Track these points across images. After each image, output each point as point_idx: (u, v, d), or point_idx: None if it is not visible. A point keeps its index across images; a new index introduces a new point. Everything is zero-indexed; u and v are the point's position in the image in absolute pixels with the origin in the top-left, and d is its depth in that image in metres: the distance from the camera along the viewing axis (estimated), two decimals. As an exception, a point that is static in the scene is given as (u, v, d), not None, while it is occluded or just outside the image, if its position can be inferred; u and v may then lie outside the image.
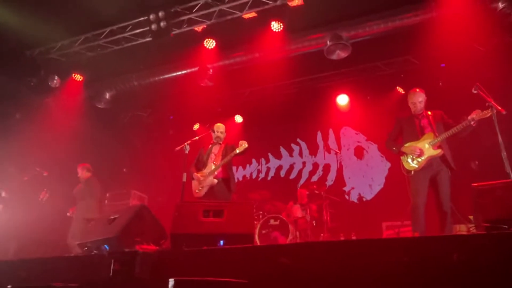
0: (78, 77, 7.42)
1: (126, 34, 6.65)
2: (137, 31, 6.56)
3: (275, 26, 6.20)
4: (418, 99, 4.58)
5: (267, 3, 5.85)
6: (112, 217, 3.91)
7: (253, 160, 9.14)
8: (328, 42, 6.28)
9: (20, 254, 5.79)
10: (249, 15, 6.06)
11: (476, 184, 3.01)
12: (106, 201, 7.80)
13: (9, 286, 2.94)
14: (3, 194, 5.90)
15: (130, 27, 6.58)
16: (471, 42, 6.33)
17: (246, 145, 5.05)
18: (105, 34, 6.73)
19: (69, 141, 7.40)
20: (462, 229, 4.87)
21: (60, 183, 6.64)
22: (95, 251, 3.66)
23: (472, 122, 4.21)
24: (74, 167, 7.38)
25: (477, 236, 2.48)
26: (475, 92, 4.07)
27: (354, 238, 6.24)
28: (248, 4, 5.95)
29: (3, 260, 4.27)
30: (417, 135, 4.48)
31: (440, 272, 2.30)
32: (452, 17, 5.72)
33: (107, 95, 7.90)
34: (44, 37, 6.79)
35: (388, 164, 7.80)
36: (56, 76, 7.20)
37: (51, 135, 7.29)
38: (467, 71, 6.15)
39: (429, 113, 4.61)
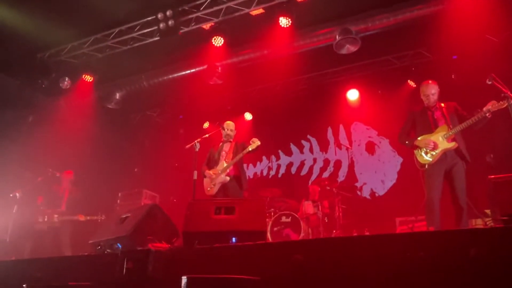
0: (88, 78, 7.47)
1: (134, 34, 6.67)
2: (145, 30, 6.58)
3: (283, 21, 6.14)
4: (431, 91, 4.49)
5: (275, -1, 5.81)
6: (124, 216, 3.93)
7: (264, 158, 9.11)
8: (337, 36, 6.21)
9: (35, 254, 5.86)
10: (257, 11, 6.03)
11: (492, 176, 2.94)
12: (118, 201, 7.86)
13: (24, 285, 2.96)
14: (18, 195, 5.97)
15: (138, 27, 6.60)
16: (484, 33, 6.20)
17: (259, 143, 5.03)
18: (113, 34, 6.77)
19: (81, 142, 7.48)
20: (478, 223, 4.77)
21: (74, 184, 6.69)
22: (108, 250, 3.68)
23: (487, 114, 4.11)
24: (87, 167, 7.46)
25: (495, 229, 2.41)
26: (490, 83, 3.96)
27: (367, 234, 6.17)
28: (256, 1, 5.92)
29: (18, 260, 4.33)
30: (431, 128, 4.39)
31: (457, 267, 2.24)
32: (464, 7, 5.60)
33: (117, 96, 7.95)
34: (54, 40, 6.86)
35: (400, 159, 7.70)
36: (67, 78, 7.26)
37: (63, 136, 7.37)
38: (480, 63, 6.03)
39: (443, 105, 4.52)
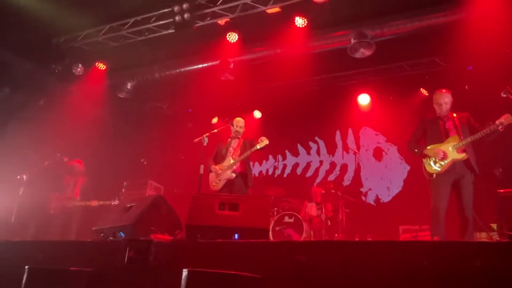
0: (101, 66, 7.51)
1: (149, 25, 6.68)
2: (161, 22, 6.58)
3: (299, 21, 6.12)
4: (444, 100, 4.45)
5: (292, -2, 5.78)
6: (129, 205, 3.95)
7: (270, 156, 9.10)
8: (352, 40, 6.17)
9: (38, 236, 5.91)
10: (273, 10, 6.01)
11: (501, 190, 2.90)
12: (123, 190, 7.89)
13: (27, 267, 2.98)
14: (25, 178, 6.03)
15: (154, 18, 6.61)
16: (501, 46, 6.12)
17: (267, 142, 5.03)
18: (129, 24, 6.78)
19: (89, 129, 7.52)
20: (482, 236, 4.73)
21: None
22: (110, 238, 3.70)
23: (499, 127, 4.07)
24: (94, 154, 7.50)
25: (502, 244, 2.38)
26: (505, 96, 3.93)
27: (369, 240, 6.14)
28: (273, -1, 5.90)
29: (21, 241, 4.37)
30: (442, 137, 4.35)
31: (461, 278, 2.22)
32: (481, 18, 5.52)
33: (129, 85, 7.97)
34: (70, 26, 6.89)
35: (408, 167, 7.65)
36: (80, 64, 7.31)
37: (72, 122, 7.42)
38: (495, 75, 5.95)
39: (455, 115, 4.48)
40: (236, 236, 3.34)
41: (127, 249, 3.04)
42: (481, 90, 6.24)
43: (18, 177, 6.02)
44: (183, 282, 2.38)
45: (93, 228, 3.92)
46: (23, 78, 7.48)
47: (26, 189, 6.04)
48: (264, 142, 5.02)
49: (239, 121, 5.49)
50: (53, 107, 7.61)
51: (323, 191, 6.90)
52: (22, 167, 6.26)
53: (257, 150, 5.09)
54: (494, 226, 4.74)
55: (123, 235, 3.57)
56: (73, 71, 7.31)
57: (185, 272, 2.43)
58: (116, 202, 6.13)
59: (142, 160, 9.06)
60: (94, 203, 6.16)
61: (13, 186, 6.05)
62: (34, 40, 6.93)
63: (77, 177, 6.61)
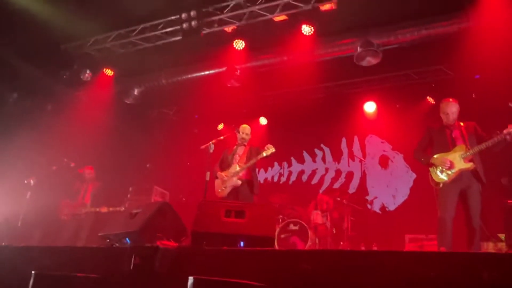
0: (109, 72, 7.58)
1: (157, 32, 6.74)
2: (169, 29, 6.63)
3: (306, 29, 6.15)
4: (452, 109, 4.44)
5: (299, 7, 5.81)
6: (135, 212, 3.96)
7: (275, 163, 9.10)
8: (358, 48, 6.18)
9: (45, 242, 5.95)
10: (280, 18, 6.04)
11: (510, 201, 2.88)
12: (128, 195, 7.92)
13: (33, 272, 2.99)
14: (32, 182, 6.07)
15: (161, 25, 6.67)
16: (508, 54, 6.09)
17: (273, 150, 5.04)
18: (137, 31, 6.85)
19: (96, 134, 7.57)
20: (490, 246, 4.68)
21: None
22: (116, 244, 3.70)
23: (507, 136, 4.04)
24: (100, 159, 7.55)
25: (510, 255, 2.35)
26: (512, 105, 3.90)
27: (375, 248, 6.10)
28: (279, 7, 5.93)
29: (28, 246, 4.39)
30: (448, 147, 4.33)
31: (469, 291, 2.20)
32: (488, 27, 5.52)
33: (136, 91, 8.03)
34: (79, 32, 6.95)
35: (414, 175, 7.61)
36: (88, 70, 7.37)
37: (80, 127, 7.48)
38: (503, 84, 5.93)
39: (462, 124, 4.46)
40: (241, 243, 3.34)
41: (133, 255, 3.05)
42: (488, 99, 6.21)
43: (26, 181, 6.07)
44: (188, 289, 2.37)
45: (99, 234, 3.93)
46: (31, 83, 7.55)
47: (33, 193, 6.08)
48: (270, 150, 5.02)
49: (245, 128, 5.50)
50: (61, 112, 7.68)
51: (328, 199, 6.88)
52: (29, 172, 6.30)
53: (263, 157, 5.10)
54: (502, 236, 4.70)
55: (129, 241, 3.58)
56: (81, 77, 7.38)
57: (190, 279, 2.43)
58: (125, 208, 6.18)
59: (147, 165, 9.09)
60: (104, 209, 6.23)
61: (20, 190, 6.09)
62: (42, 46, 7.00)
63: (88, 183, 6.73)
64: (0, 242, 4.57)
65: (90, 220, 6.36)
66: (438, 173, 4.28)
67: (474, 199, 4.10)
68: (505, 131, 4.05)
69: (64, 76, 7.59)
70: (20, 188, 6.09)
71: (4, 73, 7.20)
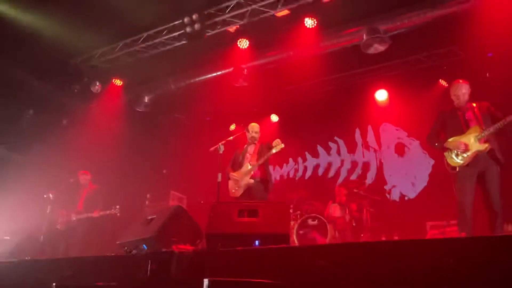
0: (118, 82, 7.69)
1: (162, 39, 6.79)
2: (173, 35, 6.68)
3: (309, 22, 6.09)
4: (462, 90, 4.31)
5: (300, 0, 5.76)
6: (150, 218, 3.99)
7: (290, 159, 9.05)
8: (364, 36, 6.08)
9: (69, 254, 6.06)
10: (282, 13, 6.00)
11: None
12: (146, 202, 8.01)
13: (54, 284, 3.05)
14: (51, 196, 6.19)
15: (165, 31, 6.71)
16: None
17: (282, 145, 5.01)
18: (142, 39, 6.91)
19: (112, 144, 7.69)
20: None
21: (105, 184, 6.89)
22: (134, 251, 3.74)
23: (524, 114, 3.91)
24: (117, 168, 7.65)
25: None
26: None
27: (396, 238, 6.00)
28: (281, 2, 5.89)
29: (49, 258, 4.49)
30: (462, 129, 4.21)
31: (490, 276, 2.13)
32: (497, 2, 5.34)
33: (146, 99, 8.12)
34: (85, 46, 7.09)
35: (432, 161, 7.43)
36: (97, 82, 7.49)
37: (94, 139, 7.60)
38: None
39: (474, 105, 4.32)
40: (256, 242, 3.33)
41: (149, 261, 3.08)
42: (503, 77, 6.02)
43: (45, 195, 6.19)
44: (204, 292, 2.37)
45: (117, 242, 3.98)
46: (45, 100, 7.74)
47: (53, 207, 6.20)
48: (279, 145, 5.00)
49: (254, 127, 5.48)
50: (75, 126, 7.84)
51: (346, 191, 6.81)
52: (48, 186, 6.44)
53: (274, 154, 5.08)
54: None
55: (146, 247, 3.61)
56: (92, 89, 7.50)
57: (206, 282, 2.43)
58: (117, 211, 6.10)
59: (164, 171, 9.17)
60: (96, 213, 6.21)
61: (41, 205, 6.22)
62: (52, 62, 7.16)
63: (82, 189, 6.66)
64: (24, 257, 4.66)
65: (83, 226, 6.30)
66: (454, 157, 4.17)
67: (493, 181, 3.98)
68: (521, 109, 3.91)
69: (76, 90, 7.73)
70: (40, 202, 6.22)
71: (19, 91, 7.40)
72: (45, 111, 7.92)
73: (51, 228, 6.16)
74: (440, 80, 7.22)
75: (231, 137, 5.39)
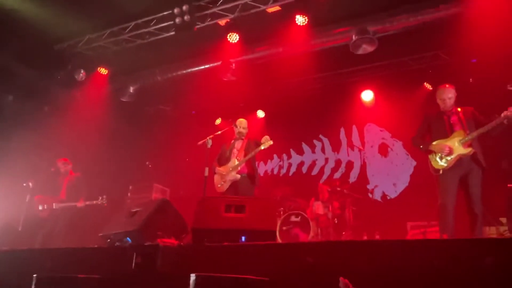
0: (103, 71, 7.52)
1: (150, 29, 6.67)
2: (161, 25, 6.57)
3: (300, 19, 6.08)
4: (448, 95, 4.40)
5: (292, -4, 5.75)
6: (134, 210, 3.94)
7: (275, 156, 9.07)
8: (353, 36, 6.13)
9: (46, 244, 5.93)
10: (273, 8, 5.98)
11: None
12: (129, 194, 7.91)
13: (35, 275, 2.98)
14: (31, 185, 6.03)
15: (154, 21, 6.60)
16: (506, 36, 6.04)
17: (271, 142, 5.02)
18: (130, 28, 6.78)
19: (94, 134, 7.54)
20: (492, 231, 4.67)
21: (86, 174, 6.75)
22: (117, 243, 3.69)
23: (505, 120, 4.01)
24: (99, 159, 7.51)
25: (512, 240, 2.35)
26: (511, 88, 3.86)
27: (377, 237, 6.11)
28: (273, -3, 5.87)
29: (29, 249, 4.38)
30: (446, 133, 4.30)
31: (473, 278, 2.19)
32: (485, 10, 5.46)
33: (131, 89, 7.98)
34: (71, 31, 6.91)
35: (414, 162, 7.59)
36: (82, 70, 7.31)
37: (77, 127, 7.44)
38: (500, 68, 5.89)
39: (459, 109, 4.42)
40: (243, 238, 3.33)
41: (134, 254, 3.04)
42: (486, 83, 6.18)
43: (24, 184, 6.03)
44: (191, 287, 2.36)
45: (100, 234, 3.92)
46: (26, 85, 7.51)
47: (32, 196, 6.05)
48: (268, 142, 5.01)
49: (241, 122, 5.47)
50: (57, 113, 7.65)
51: (329, 189, 6.87)
52: (28, 175, 6.27)
53: (262, 150, 5.08)
54: (503, 220, 4.70)
55: (129, 240, 3.56)
56: (76, 77, 7.32)
57: (193, 277, 2.42)
58: (104, 201, 5.99)
59: (147, 163, 9.07)
60: (81, 203, 6.07)
61: (20, 193, 6.05)
62: (36, 47, 6.96)
63: (63, 177, 6.49)
64: (1, 246, 4.54)
65: (66, 215, 6.14)
66: (438, 159, 4.26)
67: (475, 184, 4.08)
68: (502, 115, 4.02)
69: (59, 77, 7.55)
70: (19, 191, 6.05)
71: (-1, 75, 7.17)
72: (26, 97, 7.69)
73: (30, 217, 5.98)
74: (425, 83, 7.35)
75: (219, 132, 5.36)
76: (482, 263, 2.20)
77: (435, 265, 2.32)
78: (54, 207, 6.12)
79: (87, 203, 6.05)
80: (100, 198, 5.96)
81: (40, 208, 6.10)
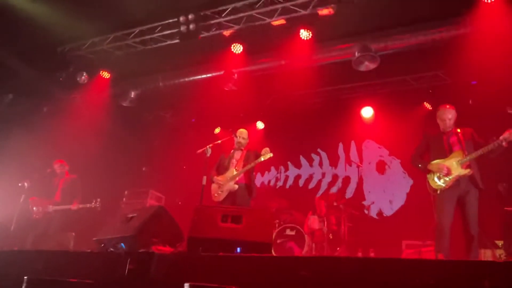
0: (106, 75, 7.53)
1: (154, 35, 6.71)
2: (166, 32, 6.61)
3: (304, 34, 6.15)
4: (448, 116, 4.43)
5: (297, 11, 5.82)
6: (130, 216, 3.91)
7: (272, 168, 9.06)
8: (356, 53, 6.19)
9: (37, 245, 5.85)
10: (278, 22, 6.03)
11: (510, 208, 2.86)
12: (124, 199, 7.85)
13: (26, 277, 2.93)
14: (26, 185, 5.98)
15: (159, 28, 6.64)
16: (506, 60, 6.11)
17: (271, 154, 5.02)
18: (134, 34, 6.82)
19: (92, 137, 7.53)
20: (487, 254, 4.66)
21: (82, 177, 6.70)
22: (111, 249, 3.65)
23: (503, 143, 4.03)
24: (96, 162, 7.48)
25: (510, 264, 2.33)
26: (511, 112, 3.89)
27: (372, 255, 6.08)
28: (278, 11, 5.93)
29: (21, 250, 4.32)
30: (445, 153, 4.31)
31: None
32: (485, 33, 5.53)
33: (132, 94, 7.98)
34: (75, 34, 6.93)
35: (411, 181, 7.59)
36: (84, 73, 7.32)
37: (75, 130, 7.42)
38: (500, 91, 5.95)
39: (459, 130, 4.45)
40: (238, 249, 3.30)
41: (128, 261, 3.00)
42: (485, 105, 6.23)
43: (20, 184, 5.98)
44: (184, 296, 2.33)
45: (94, 239, 3.87)
46: (27, 85, 7.51)
47: (27, 196, 5.99)
48: (268, 154, 5.00)
49: (242, 132, 5.47)
50: (56, 115, 7.64)
51: (326, 204, 6.85)
52: (23, 174, 6.22)
53: (261, 161, 5.08)
54: (499, 243, 4.69)
55: (124, 246, 3.53)
56: (77, 79, 7.33)
57: (186, 286, 2.39)
58: (98, 204, 5.95)
59: (143, 169, 9.03)
60: (74, 206, 6.00)
61: (14, 193, 6.00)
62: (39, 48, 6.98)
63: (59, 179, 6.43)
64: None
65: (60, 218, 6.07)
66: (436, 179, 4.26)
67: (472, 205, 4.08)
68: (501, 137, 4.04)
69: (61, 79, 7.56)
70: (14, 191, 6.00)
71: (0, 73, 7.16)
72: (26, 97, 7.69)
73: (23, 217, 5.91)
74: (425, 102, 7.40)
75: (219, 141, 5.36)
76: (479, 286, 2.19)
77: (431, 284, 2.30)
78: (49, 209, 6.06)
79: (81, 206, 5.99)
80: (94, 201, 5.90)
81: (35, 209, 6.03)
